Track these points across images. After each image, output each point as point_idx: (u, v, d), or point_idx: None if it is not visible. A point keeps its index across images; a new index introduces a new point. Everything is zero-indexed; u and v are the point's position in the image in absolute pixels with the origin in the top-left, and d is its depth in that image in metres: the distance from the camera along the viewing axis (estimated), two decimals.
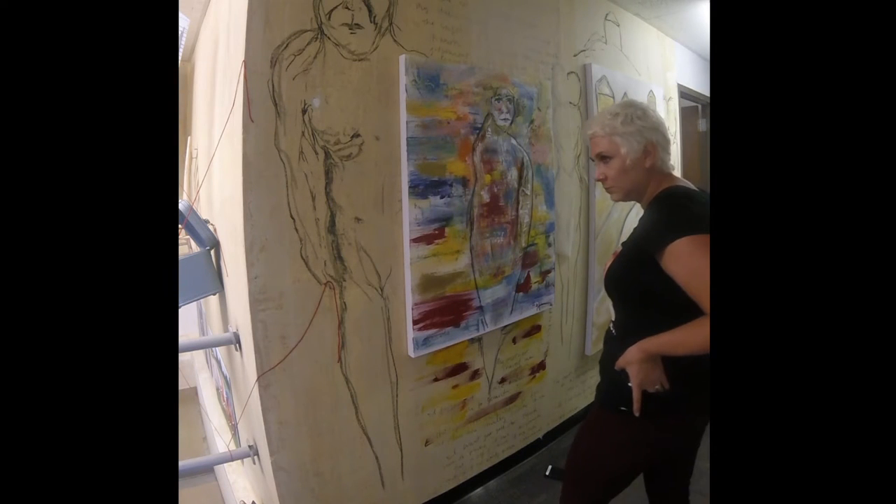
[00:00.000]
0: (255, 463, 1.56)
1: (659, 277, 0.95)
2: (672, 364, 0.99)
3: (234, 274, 1.47)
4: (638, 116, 1.06)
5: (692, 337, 0.90)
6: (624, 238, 2.64)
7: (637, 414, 1.02)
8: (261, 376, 1.31)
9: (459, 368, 1.80)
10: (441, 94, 1.58)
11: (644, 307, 1.05)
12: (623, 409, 1.04)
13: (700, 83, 3.77)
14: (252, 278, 1.28)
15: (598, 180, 1.14)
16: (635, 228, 1.08)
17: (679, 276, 0.92)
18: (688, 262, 0.90)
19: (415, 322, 1.58)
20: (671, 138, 1.26)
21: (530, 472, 2.09)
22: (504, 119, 1.82)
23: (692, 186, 1.10)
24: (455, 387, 1.79)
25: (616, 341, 1.10)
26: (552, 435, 2.31)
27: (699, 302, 0.89)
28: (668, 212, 0.99)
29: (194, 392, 2.93)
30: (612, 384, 1.09)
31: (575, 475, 1.21)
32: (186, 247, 2.57)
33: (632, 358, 1.00)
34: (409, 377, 1.63)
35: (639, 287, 1.03)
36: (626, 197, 1.12)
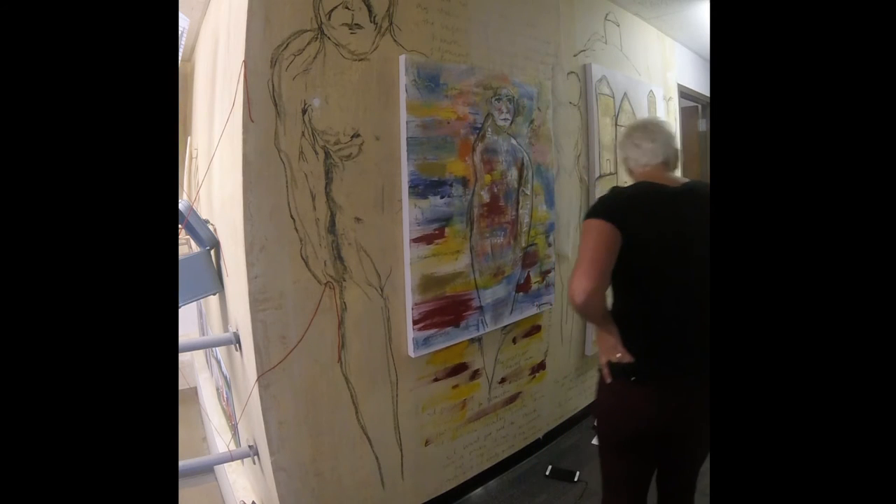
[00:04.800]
0: (255, 463, 1.56)
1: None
2: (628, 336, 1.13)
3: (234, 274, 1.47)
4: None
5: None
6: None
7: (608, 380, 1.16)
8: (261, 376, 1.31)
9: (459, 368, 1.80)
10: (441, 94, 1.58)
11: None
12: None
13: (700, 83, 3.77)
14: (252, 278, 1.28)
15: None
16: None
17: None
18: None
19: (415, 322, 1.58)
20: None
21: (530, 472, 2.08)
22: (504, 119, 1.82)
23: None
24: (455, 387, 1.79)
25: None
26: (552, 435, 2.30)
27: None
28: None
29: (194, 392, 2.93)
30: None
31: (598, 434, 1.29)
32: (186, 247, 2.57)
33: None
34: (409, 377, 1.63)
35: None
36: None
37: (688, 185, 1.18)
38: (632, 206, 1.12)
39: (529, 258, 1.98)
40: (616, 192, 1.17)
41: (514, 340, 2.02)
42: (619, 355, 1.12)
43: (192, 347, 1.89)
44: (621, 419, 1.17)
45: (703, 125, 4.14)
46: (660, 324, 1.13)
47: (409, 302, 1.57)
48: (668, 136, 1.23)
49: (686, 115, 3.93)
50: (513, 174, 1.87)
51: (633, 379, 1.12)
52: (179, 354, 1.48)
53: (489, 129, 1.76)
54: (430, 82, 1.55)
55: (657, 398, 1.12)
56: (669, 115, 3.19)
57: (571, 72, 2.24)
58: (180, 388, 2.07)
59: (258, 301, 1.29)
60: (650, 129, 1.22)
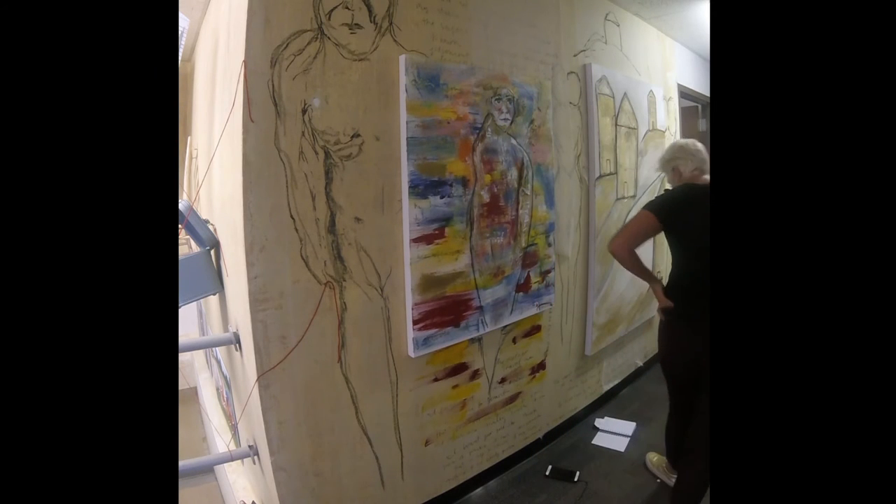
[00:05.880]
0: (255, 463, 1.56)
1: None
2: (672, 291, 1.66)
3: (234, 274, 1.47)
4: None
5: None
6: None
7: (662, 318, 1.72)
8: (261, 376, 1.31)
9: (459, 368, 1.80)
10: (441, 94, 1.58)
11: None
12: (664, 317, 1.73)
13: (700, 83, 3.77)
14: (252, 278, 1.28)
15: None
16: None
17: None
18: None
19: (415, 322, 1.58)
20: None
21: (530, 472, 2.09)
22: (504, 119, 1.82)
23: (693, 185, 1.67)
24: (455, 387, 1.79)
25: None
26: (552, 435, 2.31)
27: None
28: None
29: (194, 392, 2.93)
30: None
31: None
32: (186, 247, 2.57)
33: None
34: (409, 377, 1.63)
35: None
36: None
37: None
38: (677, 202, 1.60)
39: (529, 258, 1.98)
40: (668, 193, 1.68)
41: (514, 340, 2.02)
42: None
43: (192, 347, 1.89)
44: (665, 348, 1.75)
45: (703, 125, 4.14)
46: (692, 280, 1.57)
47: (409, 302, 1.57)
48: (706, 152, 1.71)
49: (686, 115, 3.93)
50: (513, 174, 1.87)
51: (662, 319, 1.69)
52: (179, 354, 1.48)
53: (489, 129, 1.76)
54: (430, 82, 1.55)
55: (689, 334, 1.58)
56: (669, 115, 3.19)
57: (571, 72, 2.24)
58: (180, 388, 2.08)
59: (258, 301, 1.29)
60: (694, 146, 1.73)
